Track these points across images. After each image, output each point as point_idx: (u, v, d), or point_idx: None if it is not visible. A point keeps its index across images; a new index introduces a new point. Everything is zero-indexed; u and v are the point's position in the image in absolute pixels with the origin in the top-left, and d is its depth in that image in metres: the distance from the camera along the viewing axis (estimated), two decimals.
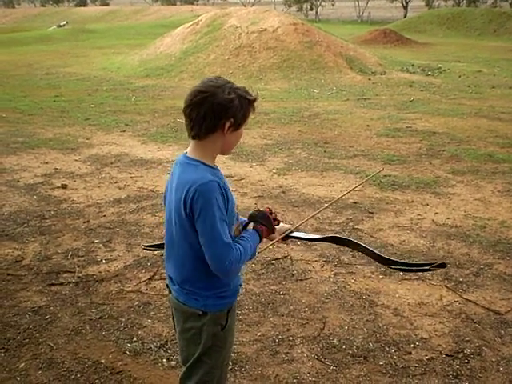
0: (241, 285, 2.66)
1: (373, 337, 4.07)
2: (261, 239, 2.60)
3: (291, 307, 4.47)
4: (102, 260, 5.33)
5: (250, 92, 2.43)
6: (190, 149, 2.44)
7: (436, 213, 6.55)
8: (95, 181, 7.72)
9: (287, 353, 3.88)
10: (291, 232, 2.88)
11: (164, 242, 2.60)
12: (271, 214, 2.69)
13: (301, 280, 4.93)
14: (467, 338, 4.05)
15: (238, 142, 2.56)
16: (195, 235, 2.36)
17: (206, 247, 2.33)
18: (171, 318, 2.70)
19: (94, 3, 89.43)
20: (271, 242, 2.83)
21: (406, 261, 2.75)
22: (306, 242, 5.15)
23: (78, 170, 8.24)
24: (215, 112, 2.31)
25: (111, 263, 5.26)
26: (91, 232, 5.99)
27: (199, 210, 2.28)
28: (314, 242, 5.29)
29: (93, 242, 5.72)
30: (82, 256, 5.41)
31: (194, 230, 2.35)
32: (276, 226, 2.76)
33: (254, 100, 2.44)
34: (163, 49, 21.05)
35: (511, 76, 19.68)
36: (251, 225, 2.62)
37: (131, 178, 7.87)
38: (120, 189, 7.37)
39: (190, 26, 21.97)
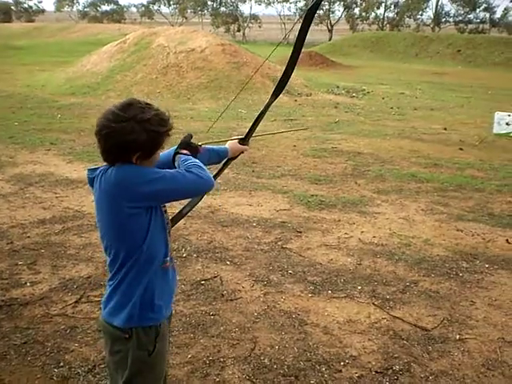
0: (171, 313, 2.69)
1: (303, 356, 4.09)
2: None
3: (221, 328, 4.45)
4: (26, 283, 5.16)
5: (163, 122, 2.39)
6: None
7: (362, 231, 6.68)
8: (19, 201, 7.50)
9: (218, 374, 3.85)
10: (246, 136, 3.10)
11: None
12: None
13: (231, 300, 4.92)
14: (396, 355, 4.13)
15: None
16: (131, 230, 2.38)
17: (180, 192, 2.45)
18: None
19: (19, 19, 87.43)
20: (235, 137, 3.11)
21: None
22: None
23: (1, 190, 7.98)
24: (120, 148, 2.32)
25: (36, 286, 5.11)
26: (15, 254, 5.80)
27: (136, 187, 2.32)
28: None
29: (17, 264, 5.54)
30: (6, 279, 5.22)
31: (135, 221, 2.37)
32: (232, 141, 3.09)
33: (166, 131, 2.41)
34: (90, 67, 20.77)
35: (432, 98, 20.40)
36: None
37: (56, 197, 7.68)
38: (45, 209, 7.18)
39: (118, 44, 21.79)
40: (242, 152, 3.11)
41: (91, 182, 2.47)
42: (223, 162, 3.10)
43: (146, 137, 2.31)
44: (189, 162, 2.49)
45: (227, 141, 3.08)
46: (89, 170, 2.49)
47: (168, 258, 2.54)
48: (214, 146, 2.98)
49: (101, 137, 2.34)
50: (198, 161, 2.54)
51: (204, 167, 2.49)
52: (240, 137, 3.07)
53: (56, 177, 8.73)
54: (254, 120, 3.05)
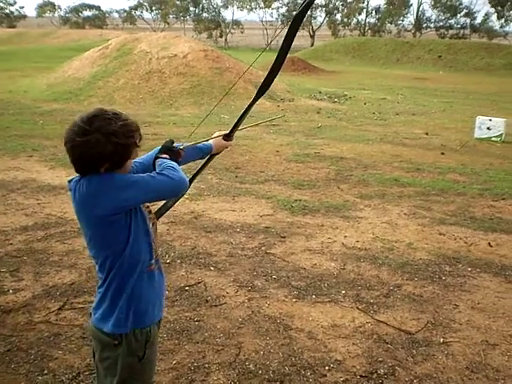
0: (160, 318, 2.68)
1: (288, 361, 4.09)
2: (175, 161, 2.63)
3: (206, 334, 4.44)
4: (9, 290, 5.11)
5: (130, 133, 2.36)
6: None
7: (345, 236, 6.70)
8: (1, 207, 7.43)
9: (203, 380, 3.84)
10: (231, 131, 3.13)
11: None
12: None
13: (215, 306, 4.91)
14: (380, 359, 4.14)
15: None
16: (112, 237, 2.38)
17: (156, 193, 2.41)
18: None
19: (1, 25, 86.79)
20: (219, 133, 3.12)
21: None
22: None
23: None
24: (86, 160, 2.31)
25: (19, 293, 5.06)
26: None
27: (110, 195, 2.31)
28: None
29: None
30: None
31: (115, 227, 2.36)
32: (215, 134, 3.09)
33: (134, 143, 2.38)
34: (71, 72, 20.68)
35: (414, 103, 20.54)
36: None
37: (38, 204, 7.63)
38: (27, 216, 7.13)
39: (100, 49, 21.72)
40: (226, 147, 3.11)
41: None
42: (207, 157, 3.11)
43: (112, 149, 2.28)
44: (163, 165, 2.48)
45: (211, 139, 3.08)
46: (68, 181, 2.48)
47: (153, 261, 2.53)
48: (198, 144, 2.98)
49: (67, 149, 2.33)
50: (173, 163, 2.51)
51: (178, 169, 2.47)
52: (225, 132, 3.09)
53: (38, 183, 8.67)
54: (239, 116, 3.06)
